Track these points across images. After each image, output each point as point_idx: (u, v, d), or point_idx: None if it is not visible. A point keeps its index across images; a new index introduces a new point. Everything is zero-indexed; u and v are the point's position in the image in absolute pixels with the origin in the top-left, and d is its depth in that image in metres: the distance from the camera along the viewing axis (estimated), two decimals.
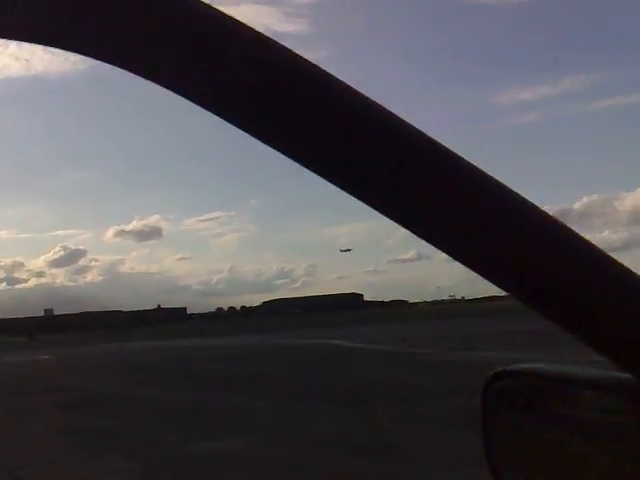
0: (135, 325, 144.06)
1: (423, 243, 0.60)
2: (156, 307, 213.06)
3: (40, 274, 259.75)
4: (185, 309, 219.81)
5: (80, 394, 17.10)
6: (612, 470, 0.69)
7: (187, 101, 0.57)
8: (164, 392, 16.79)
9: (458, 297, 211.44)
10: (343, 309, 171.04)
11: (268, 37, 0.54)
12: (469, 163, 0.57)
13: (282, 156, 0.58)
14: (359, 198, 0.57)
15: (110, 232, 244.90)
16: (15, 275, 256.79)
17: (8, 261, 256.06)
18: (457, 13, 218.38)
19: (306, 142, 0.56)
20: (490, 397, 0.83)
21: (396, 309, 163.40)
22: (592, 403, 0.71)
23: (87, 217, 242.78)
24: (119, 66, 0.55)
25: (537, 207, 0.58)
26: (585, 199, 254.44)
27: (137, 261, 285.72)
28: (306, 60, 0.55)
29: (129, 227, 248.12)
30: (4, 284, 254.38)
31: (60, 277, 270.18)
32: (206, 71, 0.54)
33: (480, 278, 0.60)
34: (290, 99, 0.55)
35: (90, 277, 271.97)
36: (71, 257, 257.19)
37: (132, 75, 0.57)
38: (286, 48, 0.55)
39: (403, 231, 0.60)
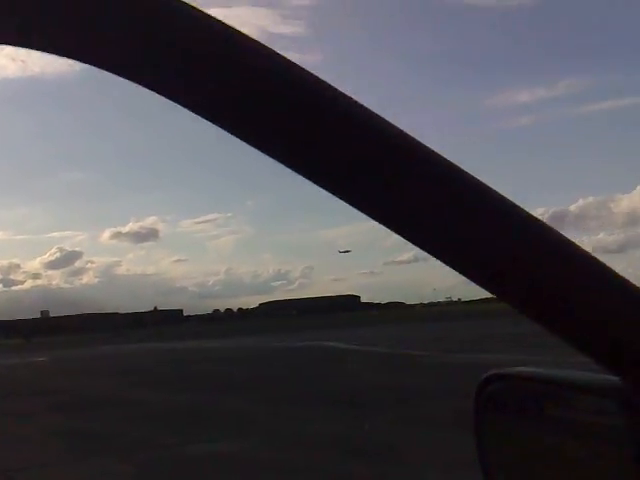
0: (131, 327, 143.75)
1: None
2: (152, 309, 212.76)
3: (36, 276, 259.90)
4: (182, 311, 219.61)
5: (75, 396, 17.08)
6: (603, 472, 0.69)
7: None
8: (160, 394, 16.77)
9: (455, 299, 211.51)
10: (340, 311, 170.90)
11: (260, 43, 0.54)
12: (461, 170, 0.57)
13: None
14: (351, 204, 0.57)
15: (106, 234, 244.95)
16: (11, 277, 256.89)
17: (4, 263, 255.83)
18: (452, 16, 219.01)
19: (299, 149, 0.57)
20: (483, 400, 0.83)
21: (393, 311, 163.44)
22: (584, 406, 0.71)
23: (83, 219, 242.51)
24: (113, 73, 0.55)
25: (525, 210, 0.59)
26: (581, 201, 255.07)
27: (133, 263, 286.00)
28: (299, 67, 0.55)
29: (125, 229, 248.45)
30: (0, 286, 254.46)
31: (56, 279, 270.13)
32: (197, 78, 0.54)
33: None
34: (283, 106, 0.55)
35: (86, 279, 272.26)
36: (67, 259, 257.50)
37: None
38: (279, 54, 0.55)
39: None
